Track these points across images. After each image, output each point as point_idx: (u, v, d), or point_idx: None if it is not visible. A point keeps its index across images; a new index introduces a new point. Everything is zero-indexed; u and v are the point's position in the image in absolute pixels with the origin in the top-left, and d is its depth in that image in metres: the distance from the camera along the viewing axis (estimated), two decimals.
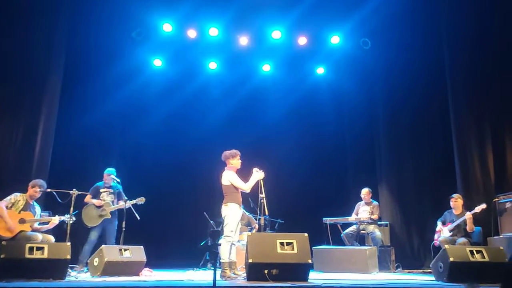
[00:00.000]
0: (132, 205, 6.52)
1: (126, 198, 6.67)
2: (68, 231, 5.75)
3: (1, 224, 5.46)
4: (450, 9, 7.66)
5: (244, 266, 5.41)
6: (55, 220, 5.88)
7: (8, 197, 5.70)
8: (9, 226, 5.46)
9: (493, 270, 4.90)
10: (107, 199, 6.71)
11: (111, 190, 6.80)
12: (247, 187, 5.64)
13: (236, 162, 5.76)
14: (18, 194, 5.78)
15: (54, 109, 7.26)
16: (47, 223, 5.90)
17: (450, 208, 6.70)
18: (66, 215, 5.89)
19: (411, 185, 8.23)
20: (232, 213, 5.54)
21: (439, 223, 6.82)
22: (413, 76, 8.32)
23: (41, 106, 7.03)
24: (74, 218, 5.90)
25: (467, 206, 6.58)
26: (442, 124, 7.89)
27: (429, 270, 6.43)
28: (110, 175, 6.75)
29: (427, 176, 8.05)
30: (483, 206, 6.30)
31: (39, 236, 5.56)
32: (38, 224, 5.88)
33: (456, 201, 6.61)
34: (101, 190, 6.74)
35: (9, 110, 6.81)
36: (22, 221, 5.62)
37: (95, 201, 6.60)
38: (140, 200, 6.60)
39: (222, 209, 5.65)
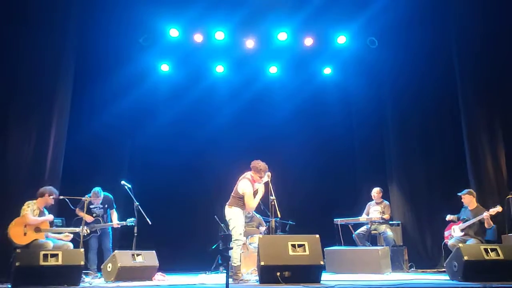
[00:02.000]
0: (138, 214, 6.55)
1: (115, 206, 6.88)
2: (81, 239, 5.83)
3: (17, 230, 5.53)
4: (459, 6, 7.61)
5: (256, 269, 5.41)
6: (69, 237, 5.96)
7: (28, 208, 5.72)
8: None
9: (509, 268, 4.85)
10: (98, 212, 6.78)
11: (101, 206, 6.84)
12: (251, 207, 5.67)
13: (257, 177, 5.74)
14: (31, 202, 5.83)
15: (65, 115, 7.33)
16: (61, 232, 5.99)
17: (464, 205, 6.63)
18: (79, 227, 5.98)
19: (423, 184, 8.17)
20: (236, 216, 5.63)
21: (451, 216, 6.69)
22: (422, 74, 8.28)
23: (53, 112, 7.10)
24: (88, 231, 5.97)
25: (481, 204, 6.51)
26: (452, 122, 7.83)
27: (443, 270, 6.37)
28: (99, 197, 6.71)
29: (439, 174, 7.99)
30: (499, 209, 6.17)
31: (50, 243, 5.63)
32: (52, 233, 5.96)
33: (465, 198, 6.52)
34: (91, 206, 6.74)
35: (21, 118, 6.89)
36: (37, 229, 5.69)
37: (87, 217, 6.51)
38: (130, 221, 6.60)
39: (226, 210, 5.69)
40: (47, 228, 5.79)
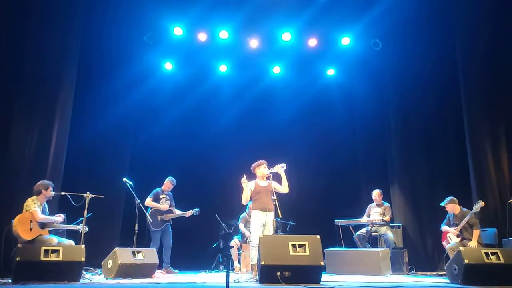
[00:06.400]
0: (139, 212, 6.72)
1: (173, 204, 7.33)
2: (83, 235, 5.84)
3: (23, 225, 5.54)
4: (463, 9, 7.60)
5: (256, 269, 5.41)
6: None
7: (34, 204, 5.71)
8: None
9: (509, 272, 4.84)
10: (165, 205, 7.13)
11: (167, 197, 7.26)
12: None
13: (260, 173, 5.92)
14: (34, 198, 5.82)
15: (67, 113, 7.34)
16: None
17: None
18: (80, 224, 5.96)
19: (424, 186, 8.16)
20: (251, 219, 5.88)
21: (444, 227, 6.73)
22: (426, 77, 8.27)
23: (55, 110, 7.10)
24: (87, 229, 5.97)
25: (482, 208, 6.49)
26: (455, 125, 7.82)
27: (443, 272, 6.37)
28: (171, 183, 7.26)
29: (441, 177, 7.98)
30: (481, 204, 6.26)
31: (55, 239, 5.64)
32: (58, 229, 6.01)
33: (448, 207, 6.58)
34: (160, 196, 7.19)
35: (24, 115, 6.90)
36: (42, 225, 5.71)
37: (161, 206, 7.05)
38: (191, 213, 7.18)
39: None
40: (52, 225, 5.83)
